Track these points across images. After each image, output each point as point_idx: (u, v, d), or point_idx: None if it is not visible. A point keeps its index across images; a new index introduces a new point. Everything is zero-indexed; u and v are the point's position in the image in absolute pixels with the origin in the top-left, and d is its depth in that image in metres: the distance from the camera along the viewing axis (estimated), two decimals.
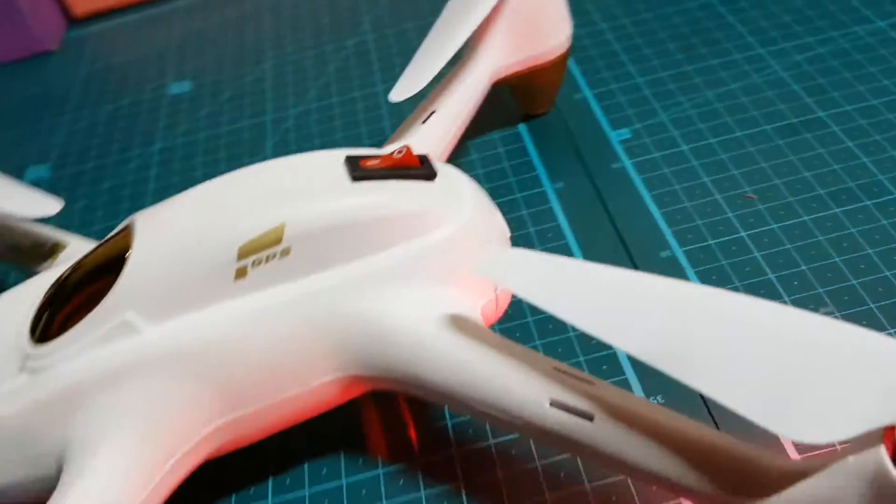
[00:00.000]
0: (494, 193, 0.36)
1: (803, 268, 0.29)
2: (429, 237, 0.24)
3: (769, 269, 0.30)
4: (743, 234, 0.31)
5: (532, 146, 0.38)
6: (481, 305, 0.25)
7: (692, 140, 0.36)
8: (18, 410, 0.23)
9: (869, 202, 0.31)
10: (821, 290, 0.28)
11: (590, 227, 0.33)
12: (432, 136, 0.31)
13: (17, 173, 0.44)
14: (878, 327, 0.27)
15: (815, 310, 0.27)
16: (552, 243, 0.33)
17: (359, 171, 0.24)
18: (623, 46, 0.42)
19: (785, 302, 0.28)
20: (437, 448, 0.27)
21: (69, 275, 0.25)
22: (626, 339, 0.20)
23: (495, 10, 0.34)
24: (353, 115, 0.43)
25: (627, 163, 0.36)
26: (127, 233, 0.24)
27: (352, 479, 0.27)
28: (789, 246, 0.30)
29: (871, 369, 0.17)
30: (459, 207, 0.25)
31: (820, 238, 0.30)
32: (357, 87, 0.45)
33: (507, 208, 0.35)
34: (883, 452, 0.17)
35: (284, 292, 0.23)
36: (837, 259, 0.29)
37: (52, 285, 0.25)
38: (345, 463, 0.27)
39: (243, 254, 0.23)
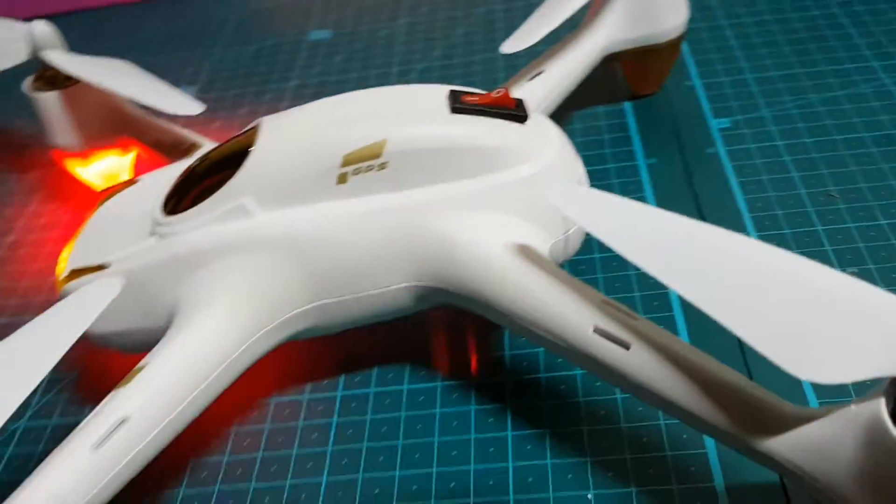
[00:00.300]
0: (589, 161, 0.38)
1: (870, 266, 0.30)
2: (512, 172, 0.26)
3: (837, 264, 0.31)
4: (819, 227, 0.32)
5: (633, 123, 0.40)
6: (551, 243, 0.27)
7: (788, 137, 0.37)
8: (144, 266, 0.27)
9: None
10: (883, 289, 0.29)
11: (674, 202, 0.35)
12: (535, 93, 0.34)
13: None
14: None
15: None
16: None
17: (458, 104, 0.27)
18: (739, 43, 0.43)
19: None
20: (492, 373, 0.30)
21: (201, 162, 0.29)
22: (678, 280, 0.21)
23: None
24: (470, 76, 0.45)
25: (722, 150, 0.37)
26: (253, 132, 0.28)
27: (413, 386, 0.30)
28: (861, 245, 0.31)
29: (882, 325, 0.19)
30: (544, 150, 0.27)
31: (893, 242, 0.31)
32: (479, 52, 0.48)
33: (597, 175, 0.37)
34: (882, 404, 0.18)
35: (377, 201, 0.26)
36: None
37: (186, 169, 0.29)
38: (409, 372, 0.30)
39: (347, 162, 0.26)
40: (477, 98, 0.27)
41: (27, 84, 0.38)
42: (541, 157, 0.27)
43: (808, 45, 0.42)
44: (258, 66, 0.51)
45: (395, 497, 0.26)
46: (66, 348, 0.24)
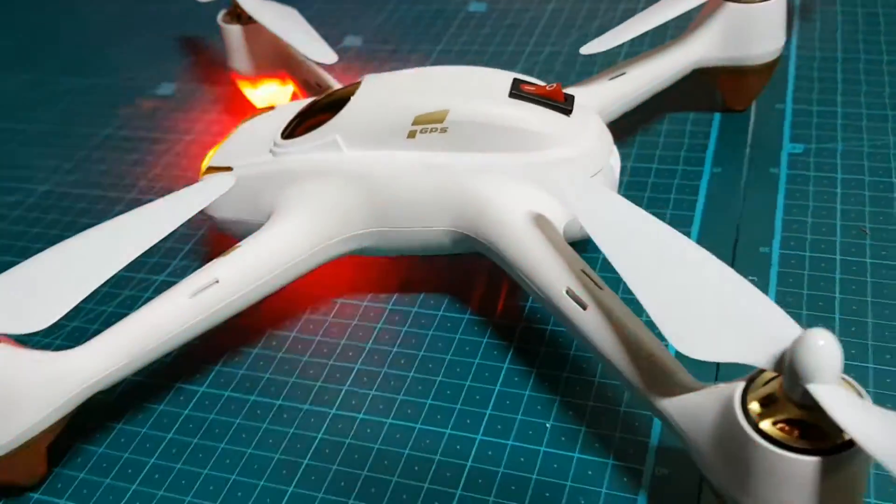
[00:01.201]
0: (662, 159, 0.42)
1: (868, 299, 0.33)
2: (547, 154, 0.32)
3: (839, 291, 0.34)
4: (836, 256, 0.35)
5: (716, 133, 0.43)
6: (568, 220, 0.32)
7: (849, 172, 0.39)
8: (257, 174, 0.35)
9: None
10: (869, 320, 0.32)
11: (720, 208, 0.39)
12: (612, 92, 0.39)
13: (338, 38, 0.58)
14: None
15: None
16: (679, 210, 0.39)
17: (516, 90, 0.33)
18: (844, 77, 0.45)
19: (832, 321, 0.33)
20: (510, 317, 0.36)
21: (315, 102, 0.36)
22: (620, 262, 0.26)
23: (714, 5, 0.40)
24: (590, 67, 0.50)
25: (783, 172, 0.40)
26: (357, 85, 0.35)
27: (446, 314, 0.36)
28: (868, 279, 0.34)
29: (752, 324, 0.23)
30: (579, 141, 0.32)
31: None
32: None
33: (664, 174, 0.41)
34: (740, 388, 0.23)
35: (435, 157, 0.33)
36: None
37: (306, 105, 0.37)
38: (447, 302, 0.37)
39: (416, 122, 0.33)
40: (534, 88, 0.33)
41: (220, 16, 0.48)
42: (574, 146, 0.32)
43: None
44: (417, 27, 0.58)
45: (403, 392, 0.33)
46: (185, 219, 0.32)
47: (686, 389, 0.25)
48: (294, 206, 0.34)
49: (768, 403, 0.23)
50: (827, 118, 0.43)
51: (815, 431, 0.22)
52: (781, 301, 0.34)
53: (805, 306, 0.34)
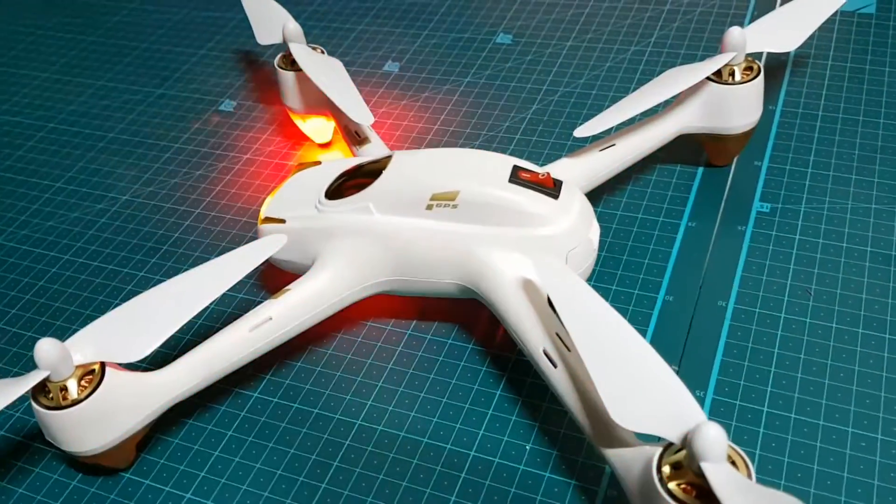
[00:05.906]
0: (645, 209, 0.49)
1: (801, 356, 0.40)
2: (536, 230, 0.39)
3: (778, 346, 0.41)
4: (781, 315, 0.42)
5: (697, 186, 0.50)
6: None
7: (805, 233, 0.46)
8: (304, 228, 0.43)
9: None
10: (798, 375, 0.40)
11: (690, 262, 0.46)
12: (601, 163, 0.46)
13: (378, 62, 0.65)
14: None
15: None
16: (654, 260, 0.46)
17: (514, 177, 0.40)
18: (820, 137, 0.51)
19: (768, 373, 0.40)
20: (507, 349, 0.44)
21: (354, 169, 0.44)
22: (579, 341, 0.34)
23: (697, 85, 0.46)
24: (596, 111, 0.57)
25: (749, 230, 0.47)
26: (387, 160, 0.42)
27: (454, 342, 0.44)
28: (803, 337, 0.41)
29: (669, 407, 0.31)
30: (563, 221, 0.40)
31: (828, 343, 0.41)
32: (617, 90, 0.58)
33: (645, 223, 0.48)
34: (658, 452, 0.31)
35: (446, 226, 0.40)
36: (828, 362, 0.40)
37: (346, 171, 0.44)
38: (456, 331, 0.45)
39: (433, 198, 0.40)
40: (529, 175, 0.40)
41: (277, 59, 0.55)
42: (558, 225, 0.40)
43: (877, 154, 0.50)
44: (450, 56, 0.65)
45: (415, 409, 0.42)
46: (248, 271, 0.40)
47: (624, 444, 0.33)
48: (333, 256, 0.42)
49: (677, 467, 0.30)
50: (796, 178, 0.49)
51: (708, 494, 0.29)
52: (728, 352, 0.41)
53: (748, 358, 0.41)
